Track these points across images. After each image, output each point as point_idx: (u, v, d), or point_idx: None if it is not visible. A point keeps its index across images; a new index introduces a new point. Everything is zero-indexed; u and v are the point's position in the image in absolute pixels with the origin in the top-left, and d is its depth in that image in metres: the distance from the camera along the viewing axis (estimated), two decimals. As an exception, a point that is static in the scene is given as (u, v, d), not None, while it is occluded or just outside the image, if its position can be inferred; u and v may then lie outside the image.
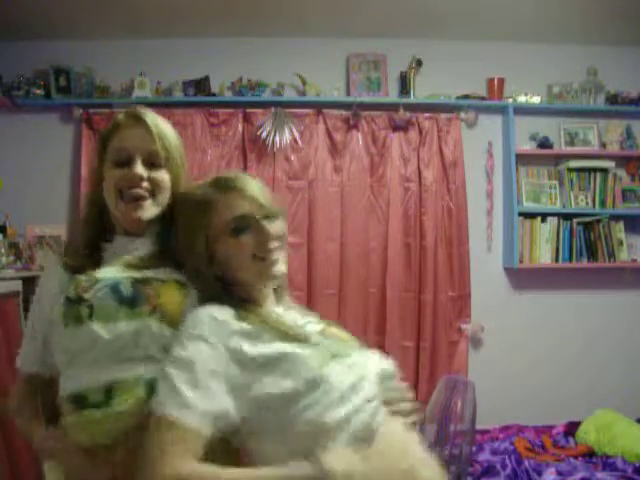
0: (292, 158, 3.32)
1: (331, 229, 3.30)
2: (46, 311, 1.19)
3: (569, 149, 3.46)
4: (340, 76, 3.44)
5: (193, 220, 1.13)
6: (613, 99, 3.48)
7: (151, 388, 1.01)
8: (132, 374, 1.05)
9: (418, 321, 3.33)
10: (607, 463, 2.66)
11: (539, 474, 2.50)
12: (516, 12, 3.12)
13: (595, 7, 3.06)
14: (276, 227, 1.13)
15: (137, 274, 1.13)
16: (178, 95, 3.31)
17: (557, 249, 3.36)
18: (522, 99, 3.43)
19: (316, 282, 3.28)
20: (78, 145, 3.28)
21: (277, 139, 3.25)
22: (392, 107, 3.34)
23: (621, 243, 3.39)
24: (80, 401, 1.06)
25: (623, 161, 3.49)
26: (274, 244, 1.12)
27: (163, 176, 1.20)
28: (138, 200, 1.17)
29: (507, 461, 2.60)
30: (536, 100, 3.44)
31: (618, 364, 3.41)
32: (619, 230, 3.39)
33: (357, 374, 1.03)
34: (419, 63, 3.39)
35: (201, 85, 3.30)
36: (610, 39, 3.41)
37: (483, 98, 3.43)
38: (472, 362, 3.33)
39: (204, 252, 1.11)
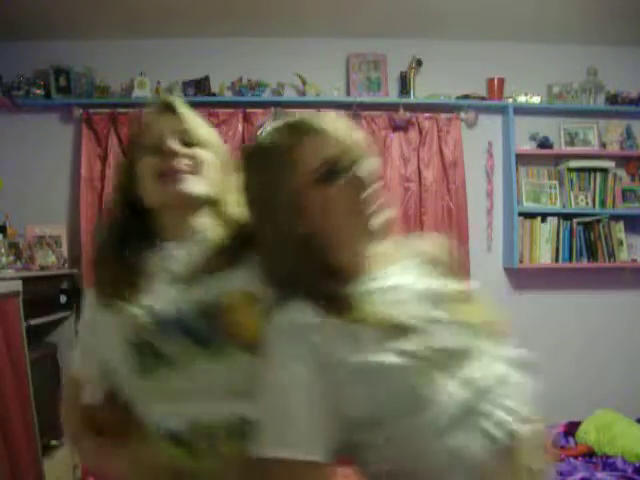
0: (292, 158, 3.32)
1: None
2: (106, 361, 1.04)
3: (569, 149, 3.46)
4: (340, 76, 3.44)
5: (269, 175, 0.91)
6: (613, 99, 3.48)
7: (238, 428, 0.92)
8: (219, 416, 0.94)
9: (418, 321, 3.32)
10: (607, 463, 2.66)
11: (539, 474, 2.50)
12: (516, 12, 3.12)
13: (595, 7, 3.05)
14: (369, 171, 0.91)
15: (198, 292, 0.98)
16: (178, 95, 3.31)
17: (557, 249, 3.36)
18: (522, 99, 3.43)
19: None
20: (78, 145, 3.28)
21: (277, 139, 3.25)
22: (392, 107, 3.34)
23: (621, 243, 3.39)
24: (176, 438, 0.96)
25: (623, 161, 3.49)
26: (369, 192, 0.90)
27: (202, 153, 1.08)
28: (177, 173, 1.03)
29: (507, 461, 2.60)
30: (536, 100, 3.44)
31: (618, 364, 3.41)
32: (619, 230, 3.39)
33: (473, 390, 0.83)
34: (419, 63, 3.39)
35: (201, 85, 3.30)
36: (610, 39, 3.41)
37: (483, 98, 3.43)
38: (472, 362, 3.33)
39: (290, 212, 0.89)
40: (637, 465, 2.60)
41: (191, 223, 1.07)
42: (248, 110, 3.31)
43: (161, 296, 0.99)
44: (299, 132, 0.91)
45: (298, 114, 0.97)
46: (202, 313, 0.96)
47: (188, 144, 1.07)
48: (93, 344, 1.06)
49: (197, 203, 1.06)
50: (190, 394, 0.95)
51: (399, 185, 3.35)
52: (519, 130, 3.41)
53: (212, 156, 1.09)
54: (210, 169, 1.08)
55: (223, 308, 0.96)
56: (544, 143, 3.42)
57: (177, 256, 1.04)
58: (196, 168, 1.06)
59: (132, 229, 1.07)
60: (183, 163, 1.04)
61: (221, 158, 1.12)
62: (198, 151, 1.07)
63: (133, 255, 1.05)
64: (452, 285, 0.96)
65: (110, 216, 1.11)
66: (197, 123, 1.10)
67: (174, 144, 1.05)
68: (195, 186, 1.04)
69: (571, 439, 2.99)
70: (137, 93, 3.24)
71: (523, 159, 3.44)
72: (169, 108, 1.09)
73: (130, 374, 0.98)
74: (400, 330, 0.83)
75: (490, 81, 3.43)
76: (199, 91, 3.30)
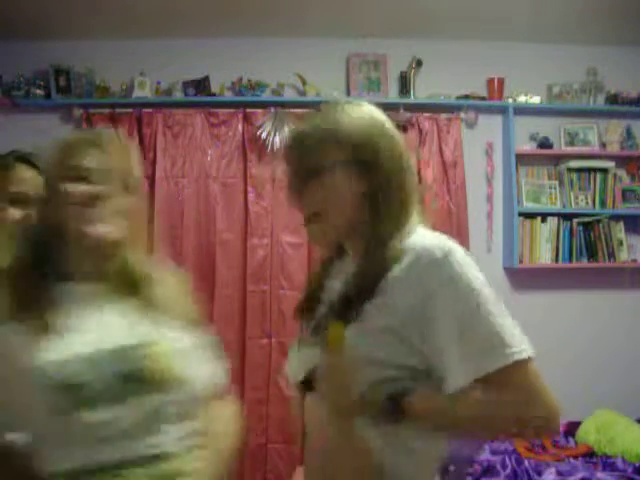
0: (292, 158, 3.32)
1: (331, 229, 3.29)
2: None
3: (569, 149, 3.46)
4: (340, 76, 3.44)
5: None
6: (613, 99, 3.48)
7: None
8: None
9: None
10: (607, 463, 2.66)
11: (539, 474, 2.51)
12: (516, 12, 3.12)
13: (595, 7, 3.05)
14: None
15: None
16: (178, 95, 3.31)
17: (557, 249, 3.36)
18: (522, 99, 3.43)
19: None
20: (78, 145, 3.28)
21: (277, 139, 3.25)
22: (392, 107, 3.33)
23: (621, 243, 3.38)
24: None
25: (623, 161, 3.49)
26: None
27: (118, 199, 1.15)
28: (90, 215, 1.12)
29: (507, 461, 2.60)
30: (536, 100, 3.44)
31: (618, 364, 3.41)
32: (619, 230, 3.39)
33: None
34: (419, 63, 3.39)
35: (201, 85, 3.30)
36: (610, 39, 3.40)
37: (483, 98, 3.43)
38: (472, 362, 3.33)
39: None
40: (637, 465, 2.60)
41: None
42: (248, 110, 3.31)
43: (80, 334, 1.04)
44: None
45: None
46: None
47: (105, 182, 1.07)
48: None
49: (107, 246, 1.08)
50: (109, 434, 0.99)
51: (399, 185, 3.35)
52: (519, 130, 3.41)
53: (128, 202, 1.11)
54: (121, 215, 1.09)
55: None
56: (544, 143, 3.42)
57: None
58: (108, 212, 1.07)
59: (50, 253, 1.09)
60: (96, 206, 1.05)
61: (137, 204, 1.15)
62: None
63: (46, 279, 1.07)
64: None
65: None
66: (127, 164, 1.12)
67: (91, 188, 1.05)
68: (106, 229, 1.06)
69: (571, 439, 2.99)
70: (137, 93, 3.24)
71: (523, 159, 3.44)
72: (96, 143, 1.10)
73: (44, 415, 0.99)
74: None
75: (490, 81, 3.43)
76: (199, 91, 3.30)
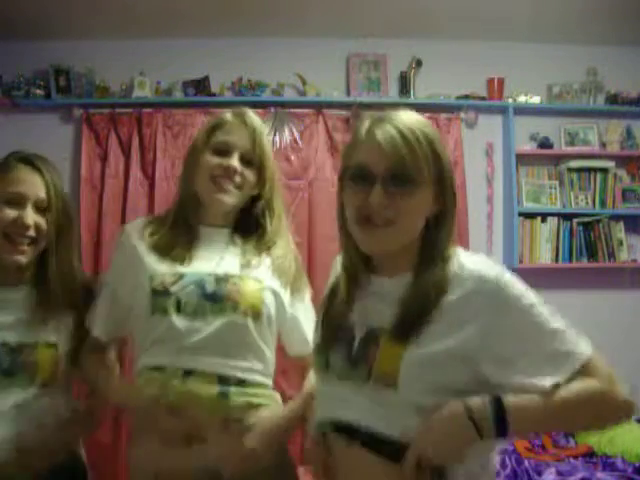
0: (292, 158, 3.32)
1: (331, 229, 3.26)
2: (127, 286, 1.38)
3: (569, 149, 3.46)
4: (340, 76, 3.44)
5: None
6: (613, 99, 3.48)
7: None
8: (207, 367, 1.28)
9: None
10: (607, 463, 2.65)
11: (539, 474, 2.50)
12: (516, 12, 3.12)
13: (595, 7, 3.05)
14: None
15: (224, 268, 1.35)
16: (178, 95, 3.31)
17: (557, 249, 3.36)
18: (522, 99, 3.43)
19: (316, 282, 3.25)
20: (78, 145, 3.28)
21: (277, 139, 3.25)
22: (392, 107, 3.32)
23: (621, 243, 3.38)
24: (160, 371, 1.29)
25: (623, 161, 3.49)
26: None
27: (251, 175, 1.40)
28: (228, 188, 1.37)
29: (507, 461, 2.60)
30: (536, 100, 3.44)
31: (618, 364, 3.39)
32: (619, 230, 3.39)
33: None
34: (419, 63, 3.39)
35: (201, 85, 3.30)
36: (610, 39, 3.40)
37: (483, 98, 3.43)
38: (472, 362, 3.33)
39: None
40: (637, 465, 2.59)
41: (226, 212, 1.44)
42: (248, 110, 3.30)
43: (192, 267, 1.39)
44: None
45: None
46: (217, 281, 1.34)
47: (249, 162, 1.39)
48: (122, 265, 1.45)
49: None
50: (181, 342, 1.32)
51: (399, 185, 3.35)
52: (519, 130, 3.41)
53: (262, 172, 1.42)
54: (251, 188, 1.42)
55: (231, 281, 1.35)
56: (544, 143, 3.42)
57: (213, 239, 1.45)
58: (244, 185, 1.39)
59: (189, 208, 1.43)
60: (235, 182, 1.38)
61: (271, 173, 1.44)
62: (250, 173, 1.39)
63: (182, 227, 1.43)
64: None
65: (177, 193, 1.47)
66: (262, 145, 1.41)
67: (236, 162, 1.37)
68: (233, 199, 1.39)
69: (571, 439, 2.99)
70: (137, 93, 3.24)
71: (523, 159, 3.44)
72: (245, 121, 1.40)
73: (146, 312, 1.34)
74: None
75: (490, 81, 3.43)
76: (199, 91, 3.30)
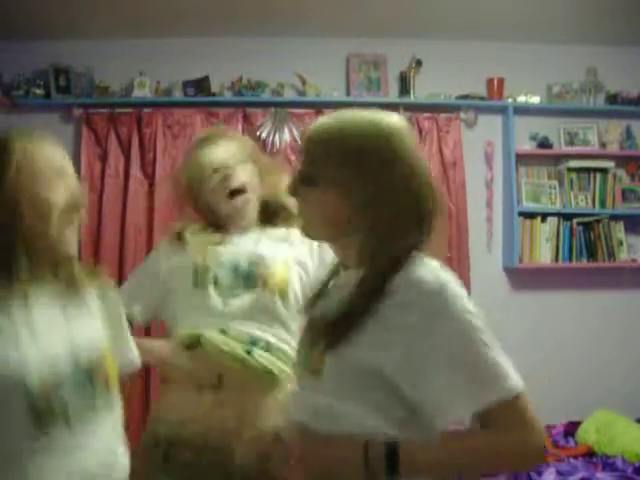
0: (292, 158, 3.32)
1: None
2: (162, 273, 1.61)
3: (569, 149, 3.46)
4: (340, 76, 3.44)
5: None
6: (613, 99, 3.48)
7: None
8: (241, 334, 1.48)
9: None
10: (607, 463, 2.65)
11: (539, 474, 2.50)
12: (516, 12, 3.12)
13: (595, 7, 3.05)
14: None
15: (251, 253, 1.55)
16: (178, 95, 3.31)
17: (557, 249, 3.36)
18: (522, 99, 3.43)
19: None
20: (78, 145, 3.28)
21: (277, 139, 3.25)
22: (392, 107, 3.31)
23: (621, 243, 3.38)
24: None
25: (623, 161, 3.49)
26: None
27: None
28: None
29: (507, 461, 2.60)
30: (536, 100, 3.44)
31: (618, 364, 3.41)
32: (619, 230, 3.39)
33: None
34: (419, 63, 3.39)
35: (201, 85, 3.30)
36: (610, 39, 3.40)
37: (483, 98, 3.43)
38: (472, 362, 3.32)
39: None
40: (637, 465, 2.59)
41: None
42: (248, 110, 3.31)
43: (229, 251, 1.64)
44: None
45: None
46: (249, 263, 1.57)
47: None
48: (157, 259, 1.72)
49: None
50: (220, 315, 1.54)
51: (399, 185, 3.35)
52: (519, 130, 3.41)
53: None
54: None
55: (263, 263, 1.57)
56: (544, 143, 3.42)
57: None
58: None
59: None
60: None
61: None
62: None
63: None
64: None
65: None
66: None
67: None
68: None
69: (571, 439, 2.99)
70: (137, 93, 3.24)
71: (523, 159, 3.44)
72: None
73: (188, 285, 1.58)
74: None
75: (490, 81, 3.43)
76: (199, 91, 3.30)
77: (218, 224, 1.64)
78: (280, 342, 1.53)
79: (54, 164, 1.07)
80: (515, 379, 0.94)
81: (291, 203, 1.51)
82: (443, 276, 0.97)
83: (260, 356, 1.47)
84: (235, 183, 1.57)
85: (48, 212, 1.03)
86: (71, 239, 1.08)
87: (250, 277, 1.51)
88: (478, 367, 0.93)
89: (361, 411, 0.95)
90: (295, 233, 1.52)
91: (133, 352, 1.26)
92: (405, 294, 0.95)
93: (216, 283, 1.51)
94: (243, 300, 1.50)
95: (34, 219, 1.01)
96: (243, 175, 1.60)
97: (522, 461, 0.97)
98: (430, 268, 0.98)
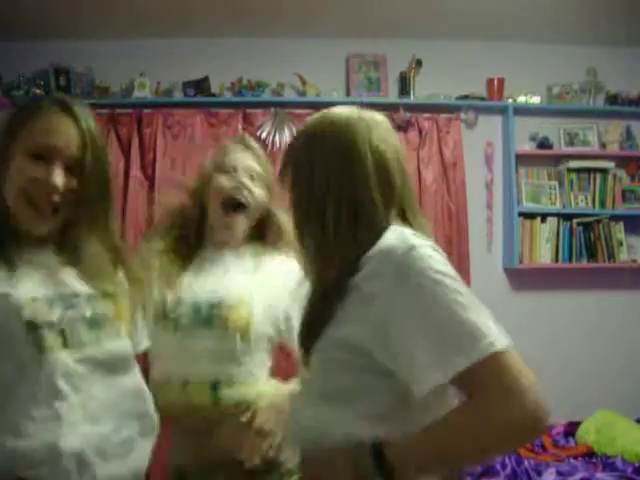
0: (292, 158, 3.32)
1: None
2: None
3: (569, 149, 3.46)
4: (340, 76, 3.44)
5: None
6: (613, 99, 3.48)
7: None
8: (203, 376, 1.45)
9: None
10: (607, 463, 2.65)
11: (539, 474, 2.50)
12: (516, 12, 3.12)
13: (594, 8, 3.06)
14: None
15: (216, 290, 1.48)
16: (178, 95, 3.31)
17: (557, 249, 3.36)
18: (522, 99, 3.43)
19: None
20: (78, 145, 3.27)
21: (277, 139, 3.25)
22: (392, 107, 3.34)
23: (621, 243, 3.39)
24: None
25: (623, 161, 3.49)
26: None
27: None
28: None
29: (507, 461, 2.60)
30: (536, 100, 3.44)
31: (618, 364, 3.41)
32: (619, 230, 3.39)
33: None
34: (419, 63, 3.39)
35: (201, 85, 3.30)
36: (610, 39, 3.41)
37: (483, 98, 3.43)
38: (472, 362, 3.32)
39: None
40: (637, 465, 2.59)
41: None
42: (248, 110, 3.31)
43: (192, 290, 1.53)
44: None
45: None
46: (210, 307, 1.50)
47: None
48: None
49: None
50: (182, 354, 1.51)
51: (399, 185, 3.35)
52: (519, 130, 3.41)
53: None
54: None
55: (224, 305, 1.49)
56: (544, 143, 3.42)
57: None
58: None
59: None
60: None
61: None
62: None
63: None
64: None
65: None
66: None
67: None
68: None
69: (571, 439, 2.99)
70: (137, 93, 3.24)
71: (523, 159, 3.44)
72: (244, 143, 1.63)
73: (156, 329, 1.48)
74: None
75: (490, 81, 3.44)
76: (199, 91, 3.30)
77: (199, 233, 1.58)
78: (243, 375, 1.48)
79: None
80: (492, 338, 0.83)
81: (283, 219, 1.54)
82: (412, 240, 0.92)
83: (227, 394, 1.45)
84: (244, 198, 1.51)
85: None
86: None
87: (210, 320, 1.46)
88: (447, 329, 0.85)
89: (348, 414, 0.94)
90: (283, 262, 1.51)
91: (139, 336, 1.26)
92: (375, 264, 0.92)
93: (177, 322, 1.47)
94: (204, 341, 1.46)
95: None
96: (257, 194, 1.54)
97: (509, 432, 0.85)
98: (399, 234, 0.94)
